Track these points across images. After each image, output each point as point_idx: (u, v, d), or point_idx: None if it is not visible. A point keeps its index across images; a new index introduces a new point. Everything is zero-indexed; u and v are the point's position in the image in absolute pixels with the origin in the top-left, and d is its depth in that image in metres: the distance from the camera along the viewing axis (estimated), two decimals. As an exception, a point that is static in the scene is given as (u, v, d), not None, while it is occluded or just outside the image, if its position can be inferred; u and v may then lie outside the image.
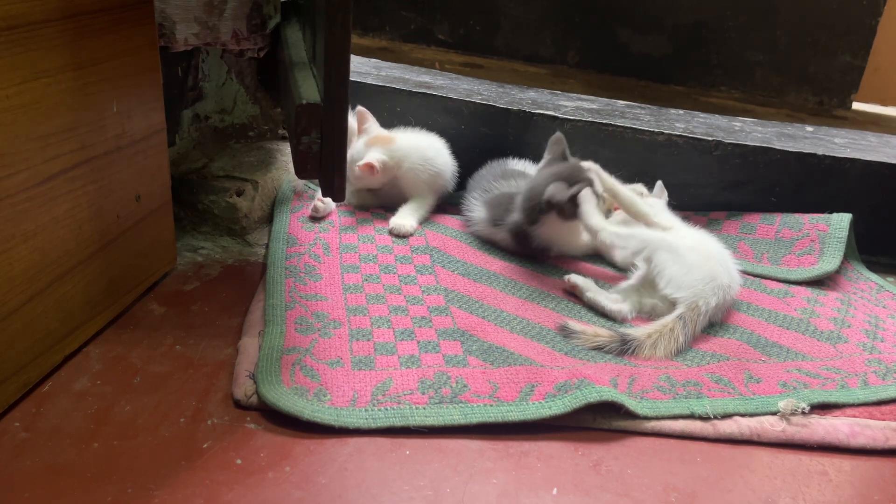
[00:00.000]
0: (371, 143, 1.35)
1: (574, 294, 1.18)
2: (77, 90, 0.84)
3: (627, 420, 0.90)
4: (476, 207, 1.32)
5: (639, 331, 1.06)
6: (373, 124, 1.39)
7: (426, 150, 1.37)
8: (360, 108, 1.40)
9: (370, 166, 1.31)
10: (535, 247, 1.26)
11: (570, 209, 1.19)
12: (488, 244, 1.31)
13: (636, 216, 1.24)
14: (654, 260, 1.13)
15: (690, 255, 1.12)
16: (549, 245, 1.27)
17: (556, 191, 1.17)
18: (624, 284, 1.19)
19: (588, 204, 1.19)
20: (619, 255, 1.27)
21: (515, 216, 1.25)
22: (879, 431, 0.92)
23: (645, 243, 1.14)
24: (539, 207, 1.20)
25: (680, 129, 1.48)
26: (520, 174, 1.35)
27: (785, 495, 0.82)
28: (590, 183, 1.21)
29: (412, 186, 1.37)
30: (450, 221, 1.38)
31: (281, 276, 1.11)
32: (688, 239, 1.18)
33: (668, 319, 1.07)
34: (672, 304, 1.10)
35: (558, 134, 1.30)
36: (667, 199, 1.37)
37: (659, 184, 1.39)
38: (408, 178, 1.36)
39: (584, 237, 1.29)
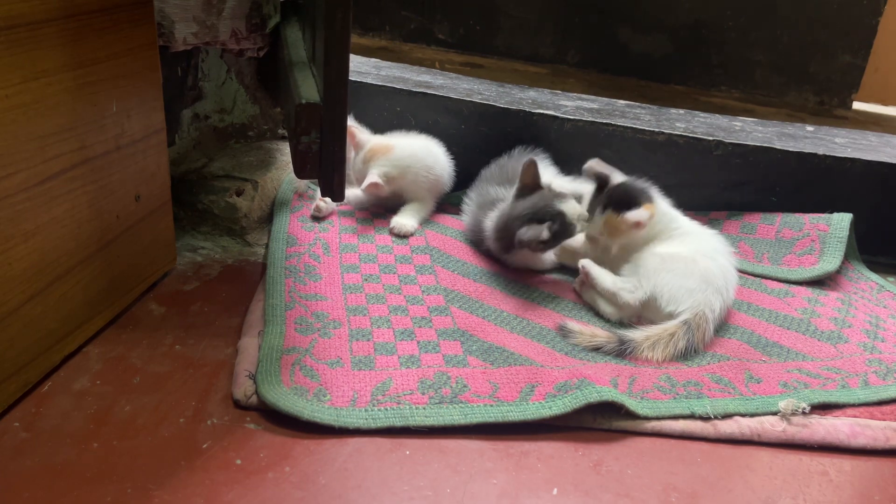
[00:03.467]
0: (370, 157, 1.34)
1: (575, 292, 1.18)
2: (77, 90, 0.84)
3: (628, 420, 0.90)
4: (466, 212, 1.33)
5: (637, 333, 1.06)
6: (361, 134, 1.38)
7: (425, 157, 1.37)
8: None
9: (375, 185, 1.30)
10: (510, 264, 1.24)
11: (543, 246, 1.16)
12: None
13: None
14: (655, 286, 1.10)
15: (678, 264, 1.11)
16: (522, 266, 1.25)
17: (529, 236, 1.13)
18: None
19: (595, 269, 1.14)
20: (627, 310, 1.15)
21: (489, 242, 1.24)
22: (880, 431, 0.92)
23: (648, 279, 1.11)
24: (512, 243, 1.17)
25: (680, 128, 1.48)
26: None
27: (785, 495, 0.82)
28: (562, 217, 1.15)
29: (413, 193, 1.38)
30: (450, 221, 1.38)
31: (281, 276, 1.11)
32: (669, 247, 1.15)
33: (671, 324, 1.06)
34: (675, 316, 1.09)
35: (531, 159, 1.21)
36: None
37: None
38: (410, 188, 1.37)
39: (550, 256, 1.26)
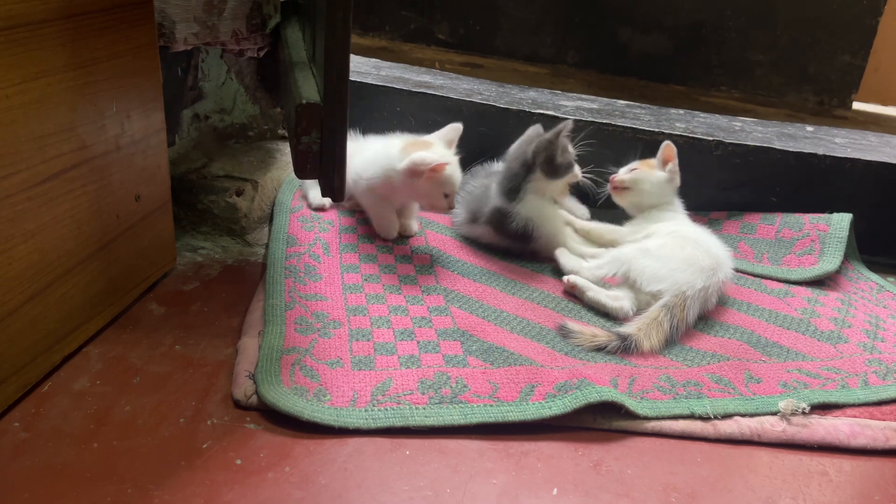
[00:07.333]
0: (410, 148, 1.22)
1: (574, 294, 1.18)
2: (77, 90, 0.84)
3: (628, 420, 0.90)
4: (457, 209, 1.34)
5: (630, 327, 1.06)
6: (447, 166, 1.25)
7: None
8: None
9: (443, 166, 1.18)
10: (515, 230, 1.26)
11: (556, 165, 1.24)
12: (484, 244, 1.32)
13: (609, 244, 1.29)
14: (632, 268, 1.15)
15: (663, 250, 1.16)
16: (530, 227, 1.26)
17: (545, 133, 1.23)
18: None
19: (561, 252, 1.25)
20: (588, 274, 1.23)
21: (494, 200, 1.27)
22: (880, 431, 0.92)
23: (620, 261, 1.17)
24: (526, 165, 1.25)
25: (680, 128, 1.48)
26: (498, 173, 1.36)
27: (785, 495, 0.82)
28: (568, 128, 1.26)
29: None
30: (450, 222, 1.38)
31: (281, 276, 1.11)
32: (658, 237, 1.21)
33: (653, 309, 1.09)
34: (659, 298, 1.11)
35: (537, 127, 1.30)
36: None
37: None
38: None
39: (566, 228, 1.31)
